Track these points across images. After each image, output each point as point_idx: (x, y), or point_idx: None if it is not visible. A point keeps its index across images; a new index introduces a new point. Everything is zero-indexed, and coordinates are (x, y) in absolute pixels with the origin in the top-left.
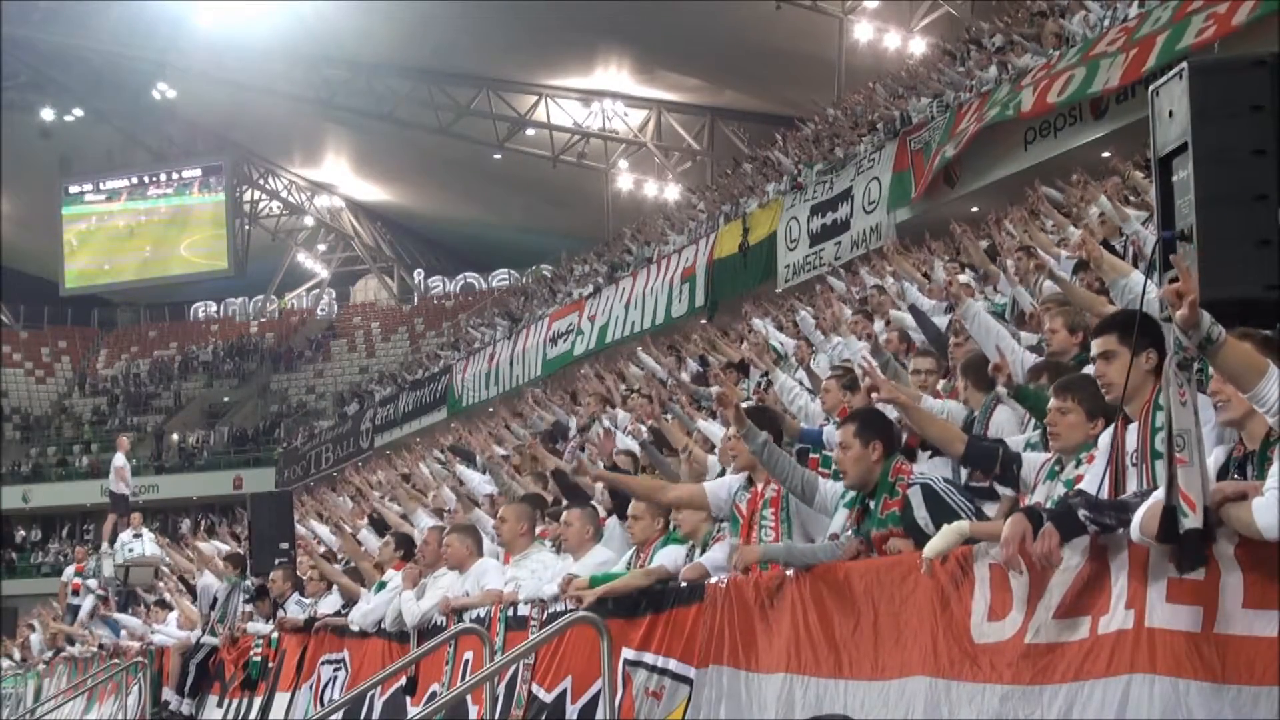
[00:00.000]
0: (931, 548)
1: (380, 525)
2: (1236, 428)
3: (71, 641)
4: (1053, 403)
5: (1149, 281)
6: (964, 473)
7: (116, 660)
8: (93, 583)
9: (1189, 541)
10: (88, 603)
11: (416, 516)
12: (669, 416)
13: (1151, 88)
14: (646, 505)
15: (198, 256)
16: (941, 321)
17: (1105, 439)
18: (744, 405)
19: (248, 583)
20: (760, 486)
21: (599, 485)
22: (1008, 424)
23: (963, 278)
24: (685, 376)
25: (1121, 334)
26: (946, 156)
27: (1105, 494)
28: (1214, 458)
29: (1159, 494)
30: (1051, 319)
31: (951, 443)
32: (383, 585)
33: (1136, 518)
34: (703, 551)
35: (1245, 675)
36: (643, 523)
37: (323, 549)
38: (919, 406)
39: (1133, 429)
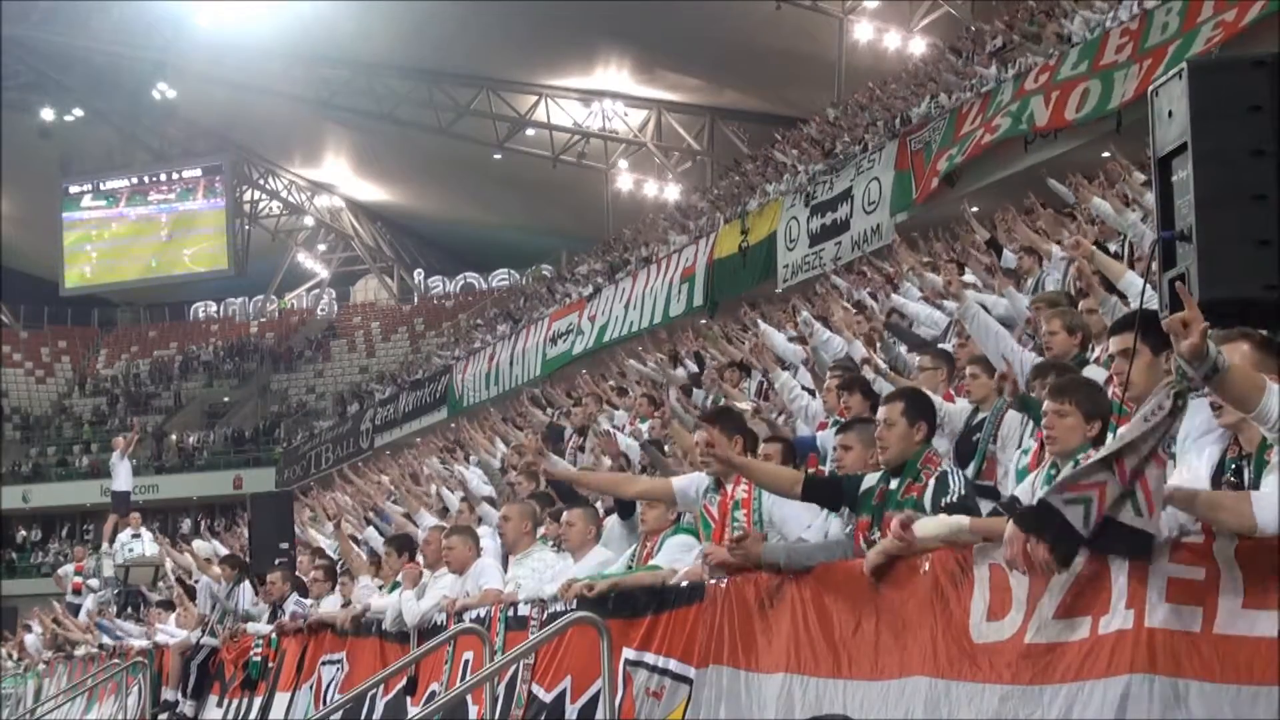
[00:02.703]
0: (923, 526)
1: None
2: (1236, 430)
3: (71, 643)
4: (1049, 405)
5: (1147, 282)
6: (970, 471)
7: (116, 660)
8: (94, 582)
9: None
10: (89, 602)
11: (420, 516)
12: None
13: (1151, 88)
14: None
15: (198, 256)
16: (941, 320)
17: (1119, 435)
18: (715, 407)
19: (243, 598)
20: (730, 488)
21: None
22: (1017, 429)
23: (967, 277)
24: (680, 373)
25: (1144, 333)
26: (954, 162)
27: None
28: (1208, 456)
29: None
30: (1049, 320)
31: (789, 486)
32: (397, 585)
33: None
34: None
35: (1245, 675)
36: (655, 512)
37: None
38: (749, 463)
39: None
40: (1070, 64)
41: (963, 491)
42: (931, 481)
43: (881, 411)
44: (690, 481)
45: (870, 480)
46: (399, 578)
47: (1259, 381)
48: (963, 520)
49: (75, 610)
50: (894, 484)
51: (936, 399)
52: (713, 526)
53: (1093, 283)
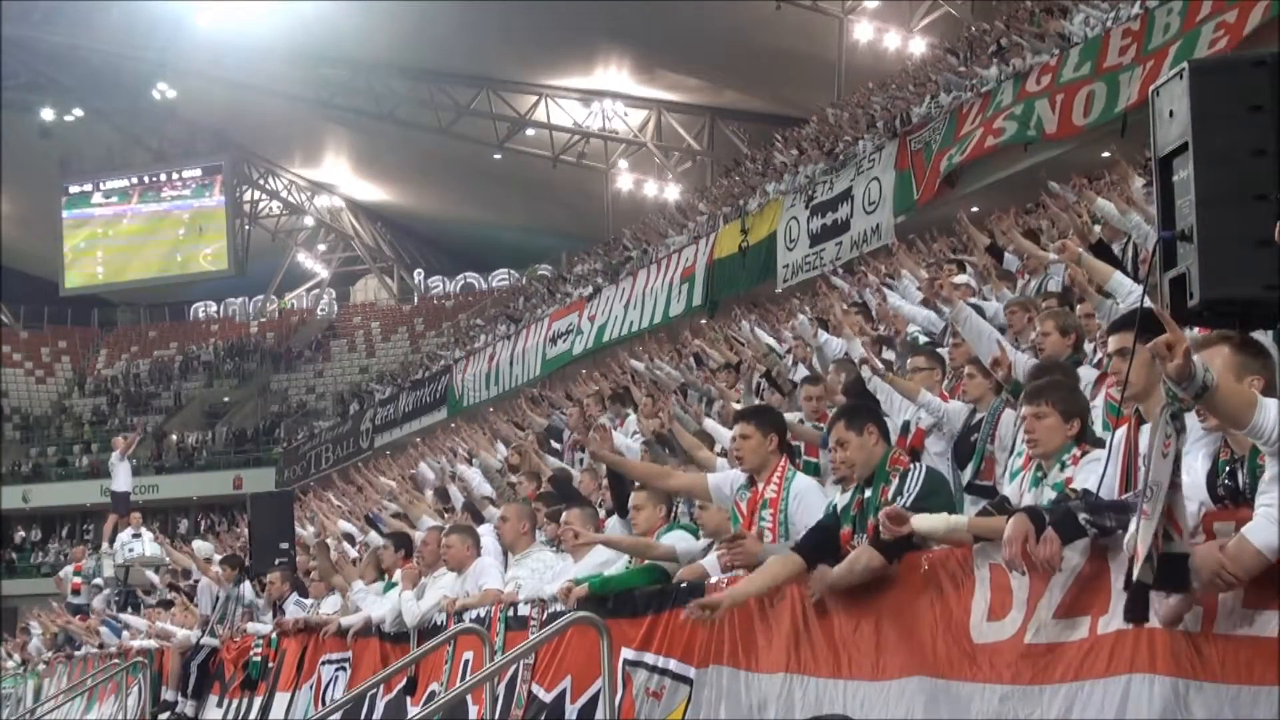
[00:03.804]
0: (923, 522)
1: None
2: (1224, 433)
3: (72, 641)
4: (1026, 409)
5: (1147, 282)
6: (969, 471)
7: (116, 660)
8: (100, 581)
9: (1136, 593)
10: (97, 601)
11: (422, 521)
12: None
13: (1152, 87)
14: (648, 494)
15: (198, 257)
16: (938, 321)
17: (1118, 437)
18: (750, 406)
19: (242, 590)
20: (761, 487)
21: (600, 484)
22: (1014, 429)
23: (959, 279)
24: (680, 374)
25: (1141, 332)
26: (953, 163)
27: (1117, 495)
28: (1201, 461)
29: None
30: (1043, 322)
31: (798, 574)
32: (392, 585)
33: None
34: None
35: (1245, 675)
36: (645, 512)
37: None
38: (746, 584)
39: (1146, 429)
40: (1073, 66)
41: (916, 492)
42: (895, 481)
43: (830, 439)
44: (725, 478)
45: (844, 499)
46: (396, 577)
47: (1249, 398)
48: (961, 519)
49: (74, 611)
50: (868, 493)
51: (932, 399)
52: (741, 521)
53: (1085, 287)
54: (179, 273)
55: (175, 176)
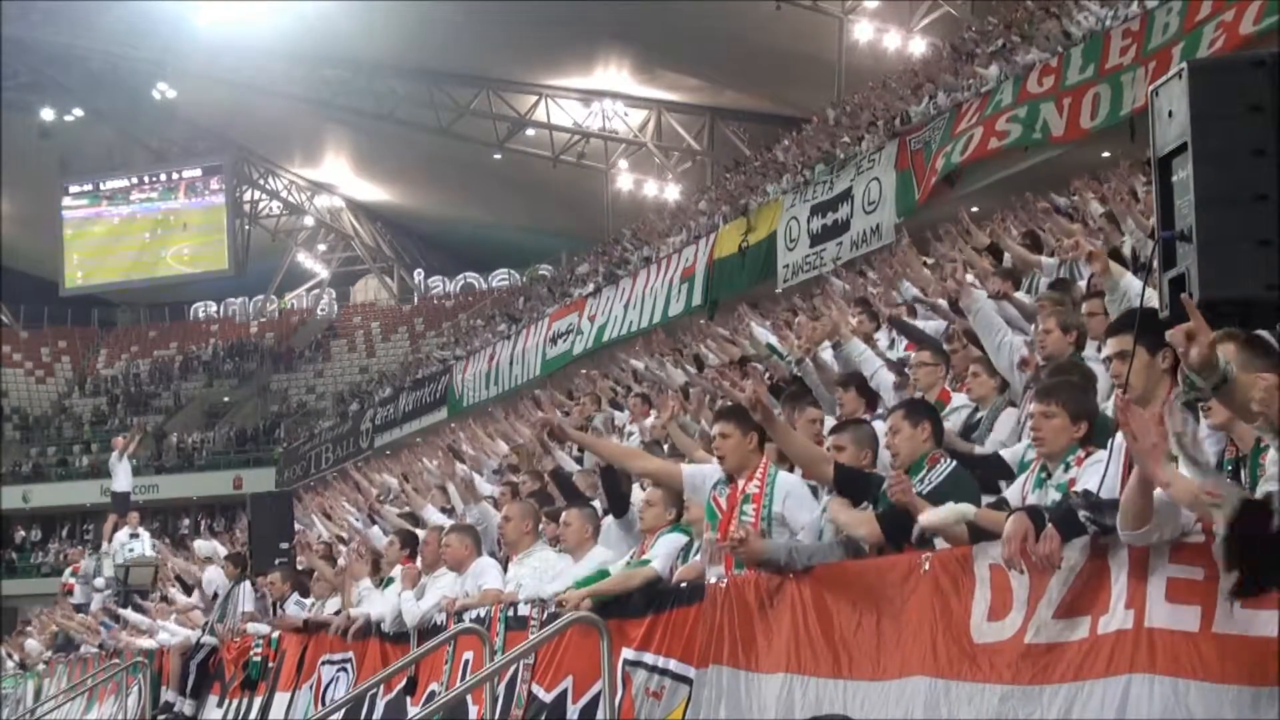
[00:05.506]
0: (933, 514)
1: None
2: (1225, 431)
3: (71, 641)
4: (1035, 407)
5: (1146, 282)
6: None
7: (116, 660)
8: (99, 581)
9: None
10: (95, 602)
11: (426, 512)
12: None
13: (1151, 87)
14: (661, 493)
15: (198, 257)
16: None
17: (1119, 439)
18: (728, 405)
19: (244, 598)
20: (741, 483)
21: (593, 481)
22: (1009, 431)
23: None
24: (679, 374)
25: (1139, 334)
26: (950, 161)
27: (1118, 495)
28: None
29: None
30: (1045, 319)
31: (820, 467)
32: (390, 582)
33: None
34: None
35: (1245, 675)
36: (655, 510)
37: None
38: (787, 429)
39: None
40: (1076, 67)
41: (936, 484)
42: (925, 471)
43: (887, 425)
44: (701, 471)
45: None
46: (393, 573)
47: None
48: (968, 508)
49: (77, 610)
50: None
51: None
52: (719, 518)
53: (1097, 264)
54: (179, 272)
55: (175, 176)
